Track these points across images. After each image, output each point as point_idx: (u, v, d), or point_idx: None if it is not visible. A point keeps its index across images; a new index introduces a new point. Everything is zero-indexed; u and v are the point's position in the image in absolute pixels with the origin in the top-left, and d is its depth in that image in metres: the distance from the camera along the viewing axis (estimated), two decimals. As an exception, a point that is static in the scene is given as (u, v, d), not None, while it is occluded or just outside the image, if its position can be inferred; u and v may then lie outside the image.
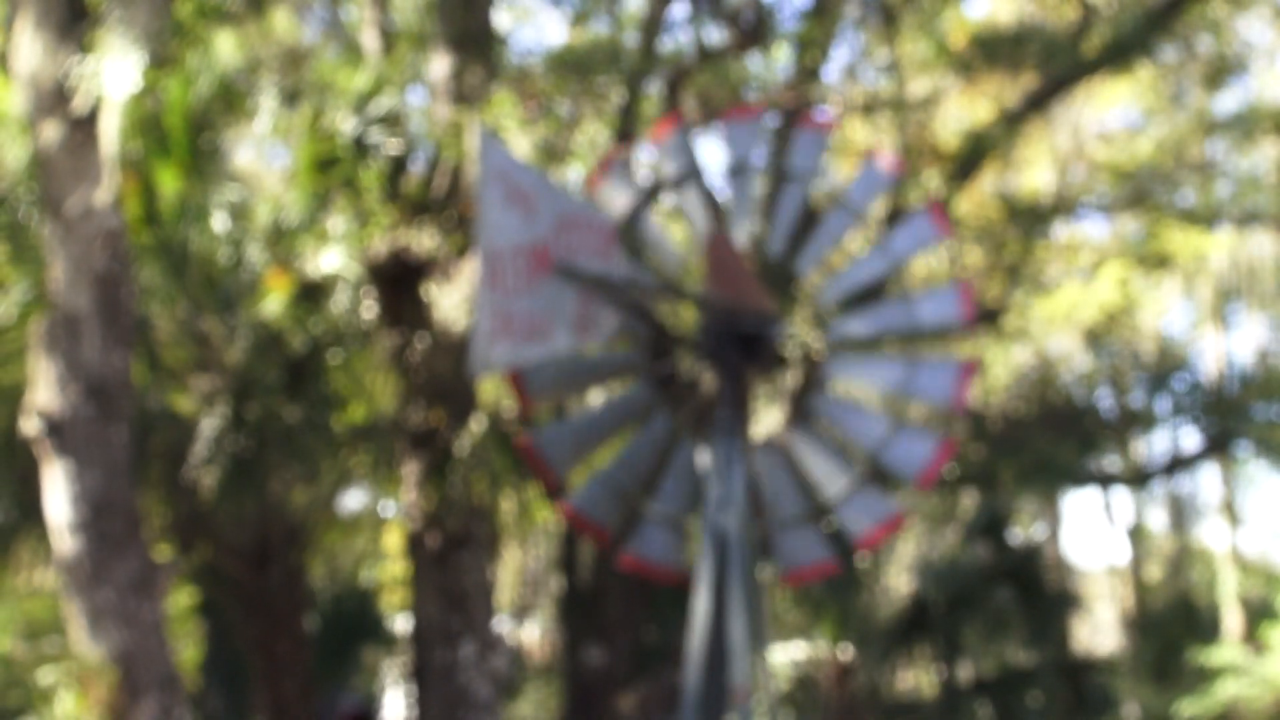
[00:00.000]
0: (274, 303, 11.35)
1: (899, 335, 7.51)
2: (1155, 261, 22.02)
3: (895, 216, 14.10)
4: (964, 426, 16.74)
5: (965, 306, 7.30)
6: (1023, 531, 20.30)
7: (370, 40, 14.08)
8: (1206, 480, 38.89)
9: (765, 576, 7.70)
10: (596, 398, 10.97)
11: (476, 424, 12.23)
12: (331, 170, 11.55)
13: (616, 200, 7.75)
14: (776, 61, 14.37)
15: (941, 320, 7.57)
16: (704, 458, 7.38)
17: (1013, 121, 14.96)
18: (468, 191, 12.10)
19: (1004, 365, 19.44)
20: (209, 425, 10.97)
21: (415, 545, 12.93)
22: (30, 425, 8.65)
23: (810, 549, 7.39)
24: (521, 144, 11.87)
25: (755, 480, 7.35)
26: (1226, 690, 22.73)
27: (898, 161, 7.87)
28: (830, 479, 7.34)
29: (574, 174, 13.05)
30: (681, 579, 7.45)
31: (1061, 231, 22.08)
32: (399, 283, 12.58)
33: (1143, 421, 18.11)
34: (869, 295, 12.59)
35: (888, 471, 7.73)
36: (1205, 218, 24.17)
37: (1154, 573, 35.60)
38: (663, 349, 11.61)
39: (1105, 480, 19.65)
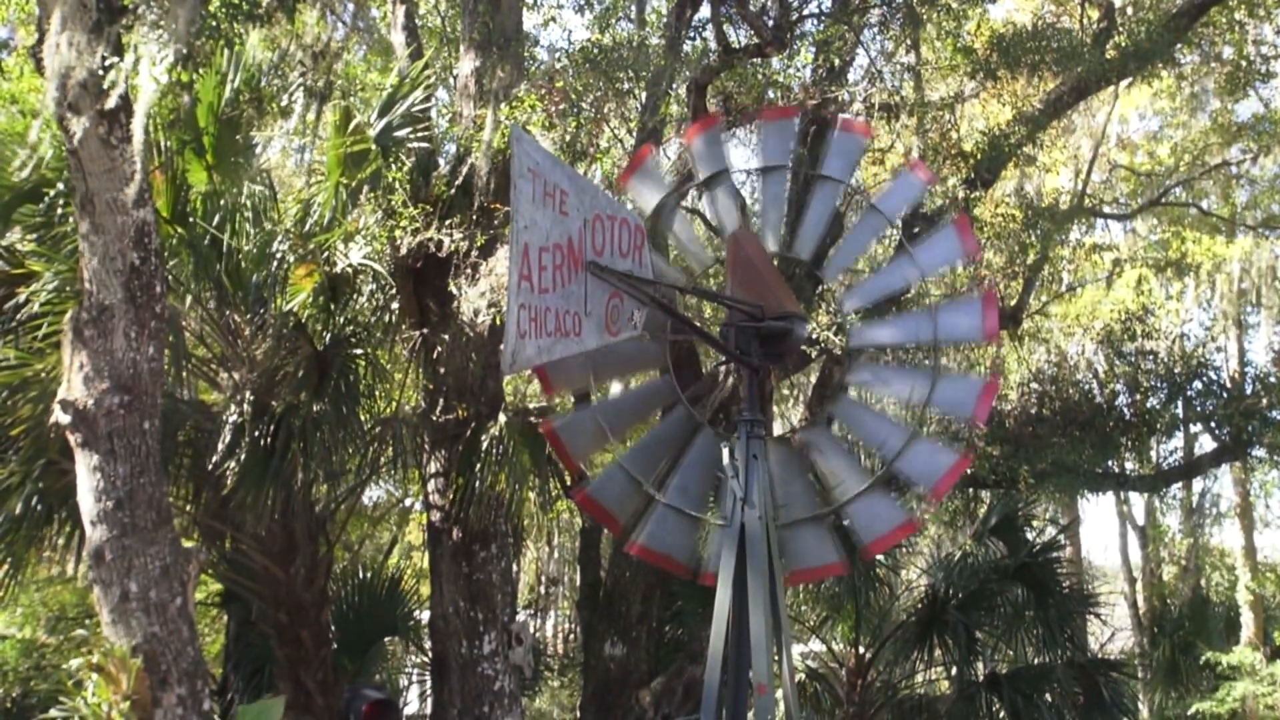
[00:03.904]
0: (301, 297, 11.45)
1: (921, 345, 7.53)
2: (1174, 265, 22.06)
3: (914, 217, 14.16)
4: (983, 428, 16.76)
5: (989, 319, 7.32)
6: (1039, 530, 20.28)
7: (398, 40, 14.16)
8: (1223, 482, 38.84)
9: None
10: (618, 388, 11.03)
11: (500, 419, 12.33)
12: (359, 167, 11.64)
13: (645, 199, 7.83)
14: (799, 62, 14.41)
15: (965, 332, 7.62)
16: (723, 453, 7.45)
17: (1033, 125, 14.99)
18: (492, 188, 12.18)
19: (1024, 365, 19.45)
20: (234, 417, 11.06)
21: (438, 539, 13.02)
22: (60, 417, 8.74)
23: (820, 550, 7.44)
24: (545, 142, 11.94)
25: (770, 478, 7.41)
26: (1239, 691, 22.75)
27: (931, 175, 7.90)
28: (844, 482, 7.39)
29: (597, 172, 13.12)
30: (689, 572, 7.51)
31: (1081, 234, 22.09)
32: (424, 278, 12.67)
33: (1160, 424, 18.13)
34: (892, 303, 12.67)
35: (902, 480, 7.78)
36: (1225, 222, 24.22)
37: (1170, 573, 35.55)
38: (687, 346, 11.64)
39: (1123, 482, 19.67)
